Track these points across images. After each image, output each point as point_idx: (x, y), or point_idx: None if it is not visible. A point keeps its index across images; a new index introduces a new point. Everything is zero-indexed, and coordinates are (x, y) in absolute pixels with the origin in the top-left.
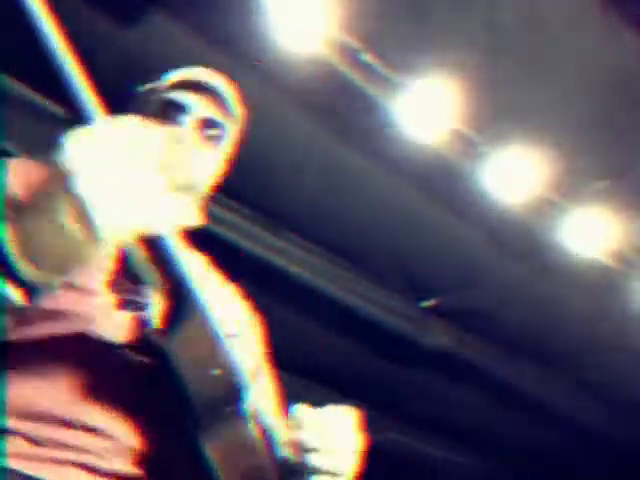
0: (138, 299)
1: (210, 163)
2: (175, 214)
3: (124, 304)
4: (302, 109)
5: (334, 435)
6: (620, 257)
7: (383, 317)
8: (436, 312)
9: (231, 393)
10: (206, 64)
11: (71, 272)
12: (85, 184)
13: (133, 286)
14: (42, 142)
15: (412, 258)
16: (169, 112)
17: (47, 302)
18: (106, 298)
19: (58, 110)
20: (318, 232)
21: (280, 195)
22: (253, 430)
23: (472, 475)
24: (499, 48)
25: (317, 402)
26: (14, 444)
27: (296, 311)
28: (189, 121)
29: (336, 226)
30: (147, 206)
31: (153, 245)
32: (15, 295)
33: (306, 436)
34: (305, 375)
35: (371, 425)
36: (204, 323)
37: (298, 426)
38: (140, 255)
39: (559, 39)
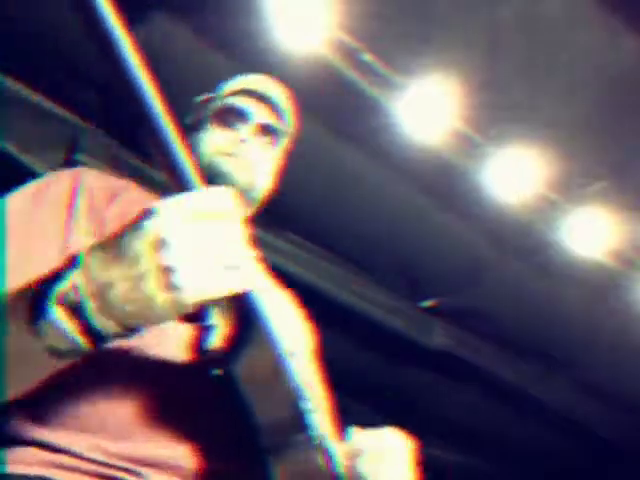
0: (201, 315)
1: (269, 165)
2: (256, 273)
3: (184, 319)
4: (302, 109)
5: (393, 466)
6: (620, 257)
7: (383, 317)
8: (436, 312)
9: (299, 418)
10: (206, 64)
11: (142, 328)
12: (174, 253)
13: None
14: (42, 142)
15: (412, 258)
16: (228, 118)
17: None
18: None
19: (58, 110)
20: (318, 232)
21: (280, 195)
22: (320, 459)
23: (472, 475)
24: (499, 48)
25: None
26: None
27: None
28: (249, 128)
29: (336, 226)
30: (233, 274)
31: None
32: (81, 341)
33: (365, 467)
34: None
35: (371, 425)
36: (269, 343)
37: (356, 454)
38: None
39: (559, 39)
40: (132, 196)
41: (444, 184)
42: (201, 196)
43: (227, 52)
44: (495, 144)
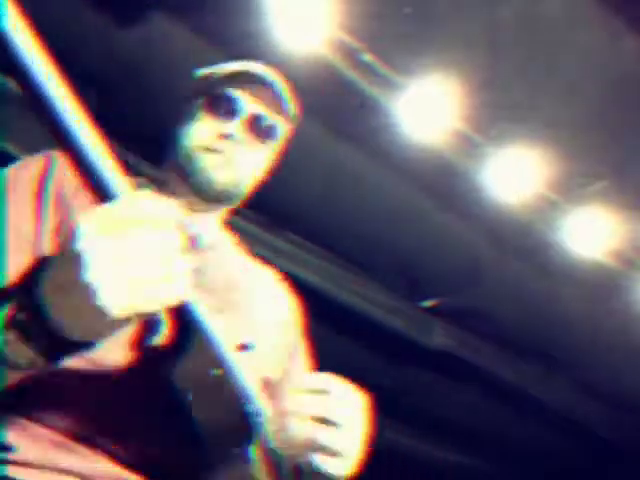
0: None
1: (257, 161)
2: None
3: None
4: (302, 109)
5: (345, 412)
6: (620, 257)
7: (383, 317)
8: (436, 312)
9: (241, 432)
10: (206, 64)
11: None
12: (93, 270)
13: None
14: (42, 142)
15: (412, 258)
16: (220, 108)
17: None
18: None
19: None
20: (318, 232)
21: (280, 195)
22: (260, 469)
23: (472, 475)
24: (499, 48)
25: None
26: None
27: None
28: (238, 119)
29: (336, 226)
30: (164, 287)
31: None
32: (37, 359)
33: (316, 409)
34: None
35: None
36: (210, 350)
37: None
38: None
39: (559, 39)
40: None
41: (444, 184)
42: (125, 204)
43: (227, 52)
44: (495, 144)
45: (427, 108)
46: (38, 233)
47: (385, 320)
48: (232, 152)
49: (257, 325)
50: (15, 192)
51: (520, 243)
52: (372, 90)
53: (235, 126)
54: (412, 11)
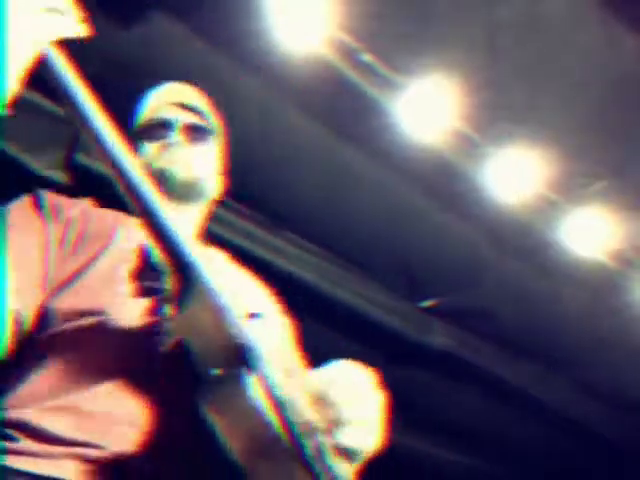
0: (156, 286)
1: (205, 160)
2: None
3: (143, 292)
4: (302, 109)
5: (359, 402)
6: (620, 257)
7: (383, 317)
8: (436, 312)
9: (236, 361)
10: (206, 64)
11: None
12: None
13: (154, 274)
14: (42, 142)
15: (412, 258)
16: (155, 132)
17: (68, 298)
18: (126, 287)
19: (58, 110)
20: (317, 232)
21: (280, 195)
22: (260, 397)
23: (472, 475)
24: (499, 48)
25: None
26: (15, 441)
27: (295, 311)
28: (175, 132)
29: (336, 226)
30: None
31: (160, 232)
32: None
33: (332, 411)
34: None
35: None
36: (211, 298)
37: (323, 396)
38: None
39: (559, 39)
40: (88, 205)
41: (444, 184)
42: None
43: (227, 52)
44: (495, 144)
45: (427, 108)
46: (47, 244)
47: (385, 320)
48: (179, 154)
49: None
50: (17, 221)
51: (520, 243)
52: (372, 90)
53: (174, 136)
54: (412, 11)
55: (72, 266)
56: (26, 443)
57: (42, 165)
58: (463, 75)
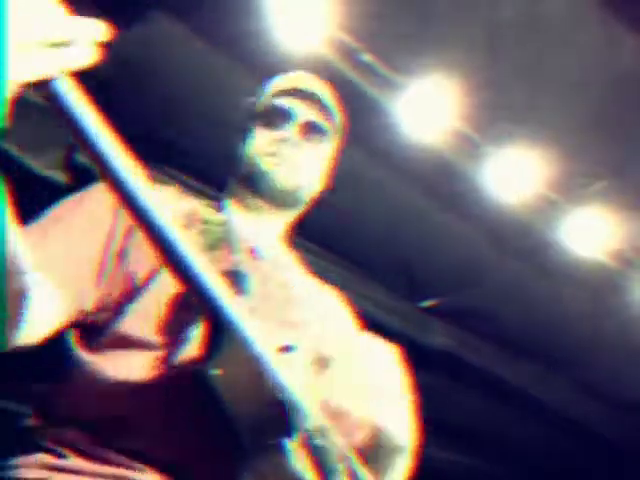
0: (180, 334)
1: (314, 163)
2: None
3: (181, 327)
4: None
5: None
6: (620, 257)
7: (383, 317)
8: (436, 312)
9: (277, 424)
10: (206, 64)
11: None
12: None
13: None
14: (42, 142)
15: (412, 258)
16: (272, 119)
17: (119, 326)
18: (168, 324)
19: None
20: (317, 232)
21: None
22: (299, 463)
23: (472, 475)
24: (499, 48)
25: None
26: (63, 458)
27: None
28: (292, 126)
29: (335, 226)
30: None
31: (187, 278)
32: None
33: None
34: None
35: None
36: (244, 348)
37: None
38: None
39: (559, 39)
40: None
41: (444, 184)
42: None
43: (227, 52)
44: (495, 144)
45: (427, 108)
46: (112, 233)
47: (385, 320)
48: (290, 155)
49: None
50: (84, 210)
51: (520, 243)
52: (372, 90)
53: (290, 131)
54: (412, 11)
55: (128, 280)
56: (74, 461)
57: (42, 165)
58: (463, 75)
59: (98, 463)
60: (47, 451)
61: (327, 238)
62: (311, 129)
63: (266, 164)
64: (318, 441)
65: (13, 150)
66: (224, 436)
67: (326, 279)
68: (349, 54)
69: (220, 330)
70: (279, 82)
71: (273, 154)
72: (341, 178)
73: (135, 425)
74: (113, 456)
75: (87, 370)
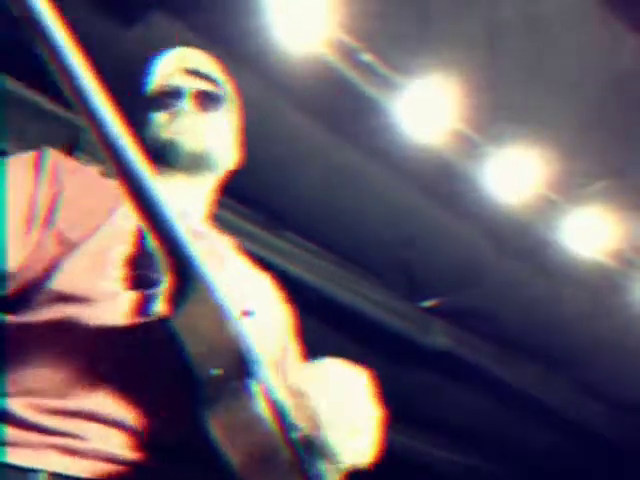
0: (151, 275)
1: (215, 127)
2: None
3: (136, 281)
4: (302, 109)
5: (352, 406)
6: (620, 257)
7: (383, 317)
8: (436, 312)
9: (238, 367)
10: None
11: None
12: None
13: (149, 261)
14: (42, 142)
15: (412, 258)
16: (164, 100)
17: (53, 283)
18: (116, 273)
19: (58, 110)
20: (317, 232)
21: (280, 195)
22: (262, 407)
23: (472, 475)
24: (499, 48)
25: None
26: (7, 431)
27: (295, 311)
28: (185, 100)
29: (336, 226)
30: None
31: (155, 221)
32: None
33: (322, 409)
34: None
35: None
36: (210, 297)
37: (313, 396)
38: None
39: (559, 39)
40: (93, 174)
41: (444, 184)
42: None
43: (227, 52)
44: (495, 144)
45: (427, 108)
46: (34, 199)
47: (385, 320)
48: (189, 124)
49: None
50: (11, 172)
51: (520, 243)
52: (372, 90)
53: (184, 104)
54: (412, 11)
55: (61, 236)
56: (12, 433)
57: None
58: (463, 75)
59: (35, 432)
60: None
61: (327, 238)
62: (204, 98)
63: (168, 134)
64: (277, 396)
65: (13, 150)
66: (185, 385)
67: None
68: (349, 54)
69: (188, 277)
70: (167, 62)
71: (173, 124)
72: (341, 178)
73: (86, 384)
74: (53, 423)
75: (19, 336)
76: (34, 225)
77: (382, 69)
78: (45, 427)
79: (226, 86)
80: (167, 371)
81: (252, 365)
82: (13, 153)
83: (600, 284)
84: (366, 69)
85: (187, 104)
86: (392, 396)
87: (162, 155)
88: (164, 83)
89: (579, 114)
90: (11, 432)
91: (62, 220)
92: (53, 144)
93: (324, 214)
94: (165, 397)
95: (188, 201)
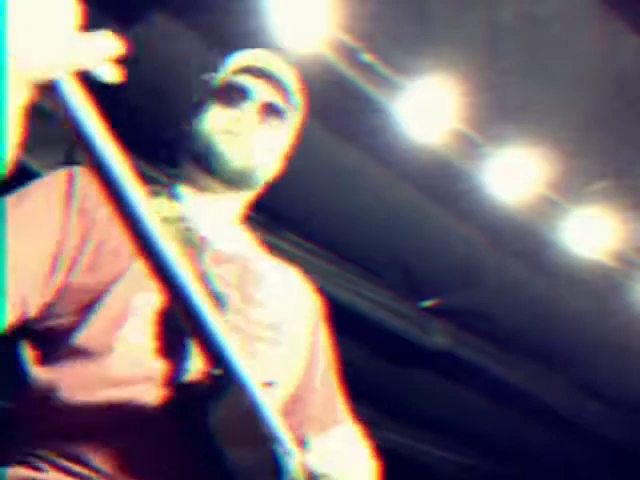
0: (180, 340)
1: (271, 144)
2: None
3: (163, 340)
4: (305, 106)
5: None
6: (620, 257)
7: (383, 317)
8: (436, 312)
9: (274, 469)
10: (206, 64)
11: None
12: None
13: (177, 330)
14: (42, 142)
15: (412, 258)
16: (230, 96)
17: (75, 340)
18: (140, 330)
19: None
20: (318, 232)
21: (280, 195)
22: None
23: (472, 475)
24: (499, 48)
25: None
26: (49, 473)
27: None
28: (250, 105)
29: (336, 226)
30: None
31: (193, 321)
32: None
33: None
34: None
35: (370, 425)
36: (245, 395)
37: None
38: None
39: (559, 39)
40: None
41: (444, 184)
42: None
43: (227, 52)
44: (495, 144)
45: (427, 108)
46: (64, 234)
47: (385, 320)
48: (247, 134)
49: (285, 326)
50: (35, 202)
51: (520, 243)
52: (372, 90)
53: (248, 110)
54: (412, 11)
55: (85, 284)
56: (53, 475)
57: (42, 165)
58: (463, 75)
59: (76, 478)
60: (24, 464)
61: (326, 237)
62: (270, 110)
63: (222, 143)
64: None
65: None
66: (208, 473)
67: (326, 279)
68: (349, 54)
69: (222, 371)
70: (240, 59)
71: (229, 132)
72: (341, 178)
73: (104, 443)
74: (88, 472)
75: (44, 387)
76: (59, 267)
77: (382, 69)
78: (86, 476)
79: (296, 100)
80: (194, 449)
81: (283, 464)
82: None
83: (600, 284)
84: (366, 69)
85: (252, 111)
86: (392, 396)
87: (207, 162)
88: (234, 79)
89: (579, 114)
90: (54, 475)
91: (88, 265)
92: (53, 144)
93: (323, 214)
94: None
95: (222, 214)
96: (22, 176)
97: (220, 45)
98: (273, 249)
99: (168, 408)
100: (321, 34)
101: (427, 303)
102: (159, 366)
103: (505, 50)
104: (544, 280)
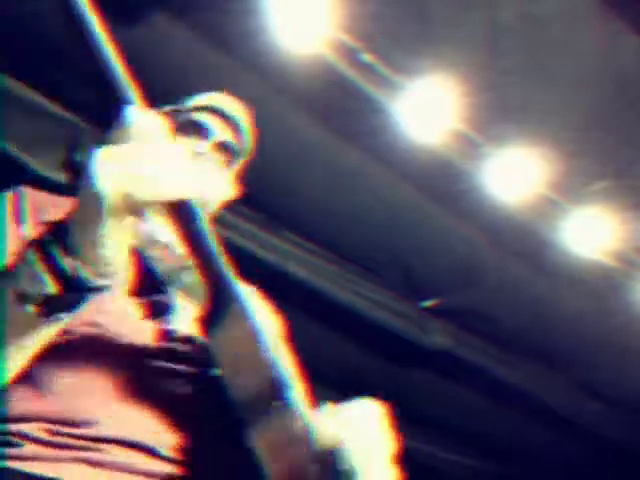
0: (163, 301)
1: (222, 182)
2: (200, 182)
3: (148, 308)
4: (302, 109)
5: (366, 435)
6: (620, 257)
7: (383, 317)
8: (436, 312)
9: (276, 389)
10: (206, 64)
11: (112, 276)
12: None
13: (156, 288)
14: (42, 142)
15: (412, 258)
16: (190, 132)
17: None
18: (126, 303)
19: (58, 110)
20: (317, 232)
21: (280, 195)
22: (298, 425)
23: (472, 475)
24: (499, 48)
25: (316, 402)
26: (19, 447)
27: (295, 311)
28: (208, 143)
29: (336, 226)
30: (167, 172)
31: (193, 239)
32: (51, 285)
33: (340, 434)
34: (304, 375)
35: None
36: (245, 321)
37: (331, 423)
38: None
39: (559, 39)
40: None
41: (444, 184)
42: (133, 145)
43: (227, 52)
44: (495, 144)
45: (427, 108)
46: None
47: (385, 320)
48: (202, 170)
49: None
50: None
51: (520, 243)
52: (372, 90)
53: (206, 146)
54: (412, 11)
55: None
56: (30, 448)
57: (42, 165)
58: (463, 75)
59: (56, 448)
60: (1, 444)
61: (326, 237)
62: (224, 149)
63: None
64: (307, 419)
65: (13, 150)
66: (215, 409)
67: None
68: (349, 54)
69: (223, 301)
70: (200, 99)
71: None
72: (341, 178)
73: (109, 410)
74: (72, 441)
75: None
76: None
77: (382, 69)
78: (64, 444)
79: (248, 141)
80: (195, 394)
81: (286, 385)
82: (13, 153)
83: (600, 284)
84: (366, 69)
85: (209, 149)
86: (392, 396)
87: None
88: (195, 116)
89: (579, 114)
90: (30, 448)
91: None
92: (53, 144)
93: (324, 214)
94: (192, 420)
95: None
96: (22, 176)
97: (220, 45)
98: (273, 249)
99: (165, 354)
100: (321, 34)
101: (427, 303)
102: (155, 333)
103: (505, 50)
104: (544, 280)
